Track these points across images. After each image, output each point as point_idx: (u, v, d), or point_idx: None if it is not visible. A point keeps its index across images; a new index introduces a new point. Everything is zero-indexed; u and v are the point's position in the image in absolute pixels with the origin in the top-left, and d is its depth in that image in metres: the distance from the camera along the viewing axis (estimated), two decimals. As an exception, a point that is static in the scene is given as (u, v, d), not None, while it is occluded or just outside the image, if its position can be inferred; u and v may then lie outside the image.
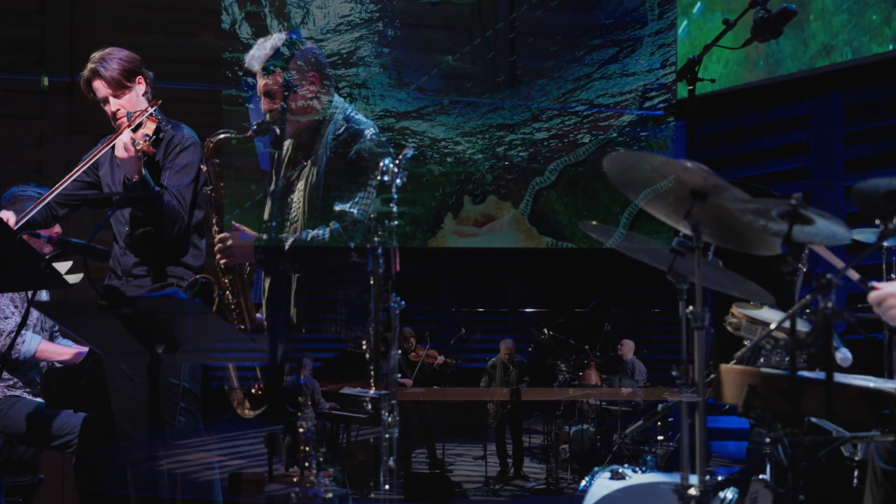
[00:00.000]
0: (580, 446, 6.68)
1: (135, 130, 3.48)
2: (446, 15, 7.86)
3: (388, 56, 7.58)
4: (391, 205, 3.10)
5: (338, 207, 4.50)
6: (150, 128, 3.48)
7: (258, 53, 4.52)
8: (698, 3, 7.82)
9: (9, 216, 3.59)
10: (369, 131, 4.73)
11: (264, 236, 4.39)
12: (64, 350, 4.32)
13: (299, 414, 6.53)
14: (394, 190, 3.09)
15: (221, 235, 4.02)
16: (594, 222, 2.58)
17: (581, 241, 8.37)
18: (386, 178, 3.07)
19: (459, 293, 9.68)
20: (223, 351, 3.15)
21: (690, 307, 2.26)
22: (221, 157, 4.06)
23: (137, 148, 3.40)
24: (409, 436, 6.80)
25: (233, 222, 4.19)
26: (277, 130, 4.48)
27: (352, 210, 4.46)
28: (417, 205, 7.72)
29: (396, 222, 3.06)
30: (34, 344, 4.27)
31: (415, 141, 7.28)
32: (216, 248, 3.98)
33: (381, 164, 3.07)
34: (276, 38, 4.63)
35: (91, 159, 3.61)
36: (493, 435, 6.71)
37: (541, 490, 6.35)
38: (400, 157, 3.08)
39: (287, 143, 4.70)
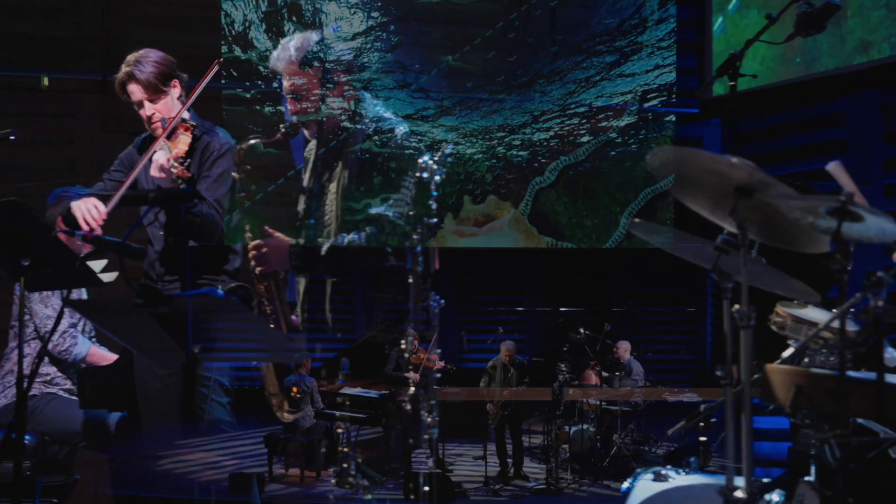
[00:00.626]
0: (580, 446, 6.68)
1: (169, 137, 3.46)
2: (447, 15, 7.87)
3: (392, 59, 7.59)
4: (431, 202, 3.05)
5: (373, 211, 4.45)
6: (184, 142, 3.44)
7: (283, 54, 4.45)
8: (733, 0, 7.73)
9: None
10: (399, 129, 4.64)
11: (300, 241, 4.34)
12: (109, 355, 4.31)
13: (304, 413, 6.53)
14: (433, 187, 3.03)
15: (256, 243, 3.97)
16: (637, 219, 2.53)
17: (581, 240, 8.36)
18: (425, 174, 3.02)
19: (460, 293, 9.67)
20: (259, 351, 3.15)
21: (736, 306, 2.19)
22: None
23: (174, 172, 3.38)
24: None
25: (266, 228, 4.13)
26: (306, 132, 4.42)
27: (387, 213, 4.38)
28: (417, 205, 7.73)
29: (436, 220, 3.02)
30: (85, 347, 4.26)
31: (414, 141, 7.28)
32: (251, 255, 3.95)
33: (420, 160, 3.01)
34: (301, 38, 4.55)
35: (131, 176, 3.56)
36: (493, 435, 6.71)
37: (541, 490, 6.35)
38: (439, 153, 3.03)
39: (314, 143, 4.65)
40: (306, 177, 4.65)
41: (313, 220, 4.50)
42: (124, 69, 3.70)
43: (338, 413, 6.70)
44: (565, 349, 7.35)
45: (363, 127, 4.63)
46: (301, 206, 4.57)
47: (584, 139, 8.04)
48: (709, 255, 2.34)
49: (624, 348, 7.37)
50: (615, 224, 8.23)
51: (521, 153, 7.89)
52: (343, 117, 4.52)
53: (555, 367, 7.10)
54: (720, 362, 2.28)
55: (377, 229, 4.41)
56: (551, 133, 7.94)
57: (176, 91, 3.71)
